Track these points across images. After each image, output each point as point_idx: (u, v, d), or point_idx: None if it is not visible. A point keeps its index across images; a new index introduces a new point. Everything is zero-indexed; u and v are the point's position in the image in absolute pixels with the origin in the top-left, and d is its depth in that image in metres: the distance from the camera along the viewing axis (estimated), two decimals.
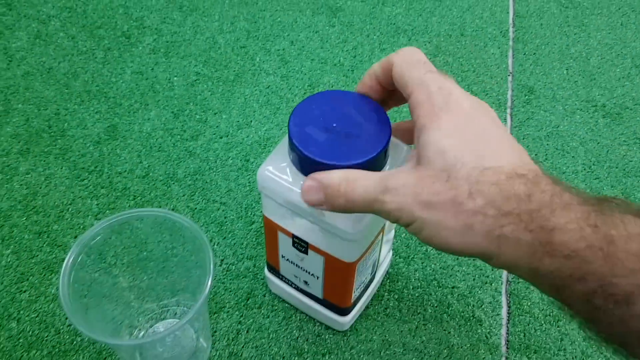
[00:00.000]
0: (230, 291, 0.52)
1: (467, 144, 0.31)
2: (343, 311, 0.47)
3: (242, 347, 0.49)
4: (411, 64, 0.34)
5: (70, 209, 0.56)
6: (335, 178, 0.34)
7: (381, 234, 0.45)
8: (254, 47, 0.71)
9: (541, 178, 0.30)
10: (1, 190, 0.57)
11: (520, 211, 0.29)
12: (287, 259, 0.46)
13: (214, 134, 0.63)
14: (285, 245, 0.45)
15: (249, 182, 0.59)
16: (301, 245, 0.43)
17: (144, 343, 0.49)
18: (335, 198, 0.34)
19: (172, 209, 0.57)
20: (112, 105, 0.65)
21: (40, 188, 0.58)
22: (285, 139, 0.42)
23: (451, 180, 0.30)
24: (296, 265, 0.46)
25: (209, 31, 0.73)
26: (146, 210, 0.44)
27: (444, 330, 0.51)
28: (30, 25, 0.72)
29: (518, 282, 0.54)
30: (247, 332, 0.50)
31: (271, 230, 0.44)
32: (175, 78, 0.68)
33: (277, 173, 0.40)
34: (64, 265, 0.41)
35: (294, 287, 0.49)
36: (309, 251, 0.43)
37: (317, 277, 0.45)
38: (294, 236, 0.43)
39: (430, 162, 0.31)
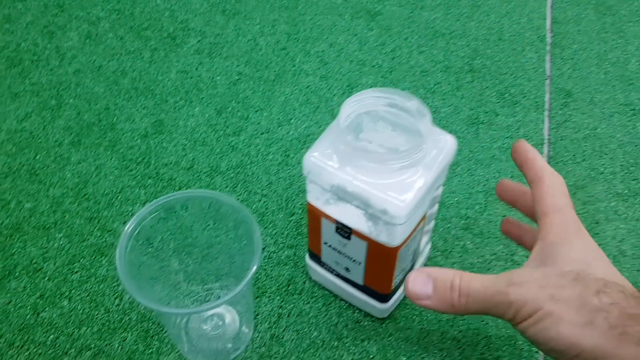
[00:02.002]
0: (271, 278, 0.54)
1: (595, 261, 0.34)
2: (383, 298, 0.48)
3: (283, 330, 0.50)
4: (557, 192, 0.38)
5: (119, 197, 0.59)
6: (449, 272, 0.37)
7: (423, 221, 0.46)
8: (294, 49, 0.74)
9: None
10: (54, 178, 0.60)
11: None
12: (330, 245, 0.47)
13: (256, 130, 0.65)
14: (328, 232, 0.46)
15: (288, 176, 0.61)
16: (344, 231, 0.44)
17: (194, 312, 0.51)
18: (447, 292, 0.37)
19: (217, 200, 0.59)
20: (159, 101, 0.68)
21: (91, 177, 0.60)
22: (331, 126, 0.44)
23: (579, 279, 0.33)
24: (338, 251, 0.47)
25: (250, 34, 0.76)
26: (200, 191, 0.46)
27: (482, 321, 0.51)
28: (80, 26, 0.76)
29: None
30: (288, 316, 0.51)
31: (315, 217, 0.46)
32: (218, 77, 0.70)
33: (323, 159, 0.41)
34: (123, 233, 0.42)
35: (335, 274, 0.50)
36: (352, 237, 0.44)
37: (359, 263, 0.46)
38: (337, 222, 0.44)
39: (559, 265, 0.34)
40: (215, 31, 0.76)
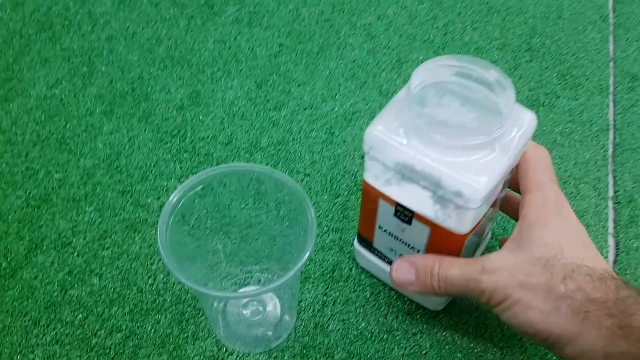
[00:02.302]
0: (315, 262, 0.50)
1: (569, 245, 0.35)
2: None
3: (328, 319, 0.47)
4: (539, 166, 0.38)
5: (153, 171, 0.55)
6: (429, 259, 0.39)
7: (493, 207, 0.42)
8: (339, 20, 0.69)
9: (630, 285, 0.33)
10: (85, 148, 0.57)
11: (607, 299, 0.32)
12: (385, 230, 0.43)
13: (298, 105, 0.61)
14: (385, 215, 0.42)
15: (333, 155, 0.57)
16: (405, 214, 0.40)
17: (243, 297, 0.47)
18: (427, 278, 0.39)
19: (255, 178, 0.55)
20: (195, 72, 0.64)
21: (124, 149, 0.57)
22: (396, 98, 0.40)
23: (548, 266, 0.34)
24: (395, 237, 0.43)
25: (292, 3, 0.71)
26: (251, 165, 0.42)
27: None
28: None
29: (627, 272, 0.50)
30: (333, 304, 0.47)
31: (371, 198, 0.42)
32: (258, 48, 0.66)
33: (389, 133, 0.37)
34: (165, 206, 0.39)
35: (388, 262, 0.46)
36: (413, 221, 0.40)
37: (417, 251, 0.42)
38: (397, 204, 0.40)
39: (531, 251, 0.35)
40: (255, 0, 0.72)
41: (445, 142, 0.35)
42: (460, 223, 0.37)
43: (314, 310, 0.47)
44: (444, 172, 0.35)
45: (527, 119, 0.38)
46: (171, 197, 0.39)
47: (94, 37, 0.67)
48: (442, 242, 0.40)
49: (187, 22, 0.69)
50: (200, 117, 0.59)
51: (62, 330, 0.46)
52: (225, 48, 0.66)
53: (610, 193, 0.55)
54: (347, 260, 0.50)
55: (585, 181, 0.55)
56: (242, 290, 0.48)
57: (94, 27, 0.68)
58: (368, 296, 0.48)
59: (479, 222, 0.39)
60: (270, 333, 0.46)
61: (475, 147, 0.35)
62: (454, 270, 0.38)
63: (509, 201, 0.44)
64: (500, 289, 0.35)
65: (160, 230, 0.38)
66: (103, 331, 0.46)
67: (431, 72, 0.38)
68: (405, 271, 0.40)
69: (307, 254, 0.36)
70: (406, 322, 0.47)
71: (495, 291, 0.35)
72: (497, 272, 0.35)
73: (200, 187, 0.41)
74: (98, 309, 0.47)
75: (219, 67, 0.64)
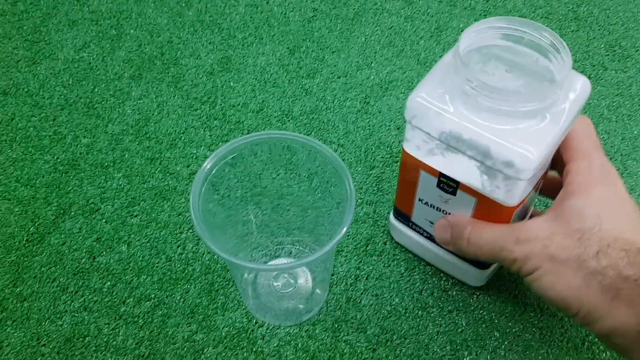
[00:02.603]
0: (348, 236, 0.48)
1: (610, 215, 0.33)
2: (484, 263, 0.42)
3: (361, 294, 0.45)
4: (584, 135, 0.36)
5: (182, 138, 0.54)
6: (463, 220, 0.38)
7: (542, 178, 0.39)
8: None
9: None
10: (113, 113, 0.55)
11: (638, 277, 0.31)
12: (426, 202, 0.41)
13: (332, 73, 0.59)
14: (426, 186, 0.40)
15: (368, 126, 0.55)
16: (449, 185, 0.38)
17: (273, 269, 0.46)
18: (459, 239, 0.38)
19: (287, 147, 0.53)
20: (226, 36, 0.62)
21: (153, 114, 0.55)
22: (440, 63, 0.37)
23: (583, 240, 0.33)
24: (436, 209, 0.41)
25: None
26: (287, 133, 0.40)
27: None
28: None
29: None
30: (366, 279, 0.46)
31: (411, 168, 0.40)
32: (290, 13, 0.64)
33: (433, 100, 0.35)
34: (198, 173, 0.37)
35: (426, 236, 0.44)
36: (458, 192, 0.38)
37: None
38: (441, 175, 0.38)
39: (569, 222, 0.34)
40: None
41: (496, 109, 0.33)
42: (509, 195, 0.35)
43: (346, 284, 0.46)
44: (494, 141, 0.33)
45: (580, 85, 0.35)
46: (205, 164, 0.38)
47: (122, 0, 0.65)
48: (488, 214, 0.37)
49: None
50: (231, 84, 0.58)
51: (90, 297, 0.45)
52: (257, 12, 0.64)
53: None
54: (381, 234, 0.48)
55: (634, 158, 0.53)
56: (273, 262, 0.47)
57: None
58: (402, 271, 0.46)
59: (527, 196, 0.37)
60: (301, 306, 0.45)
61: (525, 115, 0.33)
62: (487, 235, 0.37)
63: (549, 182, 0.42)
64: (531, 259, 0.34)
65: (192, 199, 0.36)
66: (131, 299, 0.45)
67: (480, 34, 0.36)
68: (442, 229, 0.40)
69: (345, 228, 0.35)
70: (442, 299, 0.45)
71: (526, 262, 0.34)
72: (531, 243, 0.34)
73: (234, 155, 0.39)
74: (126, 277, 0.46)
75: (250, 32, 0.62)
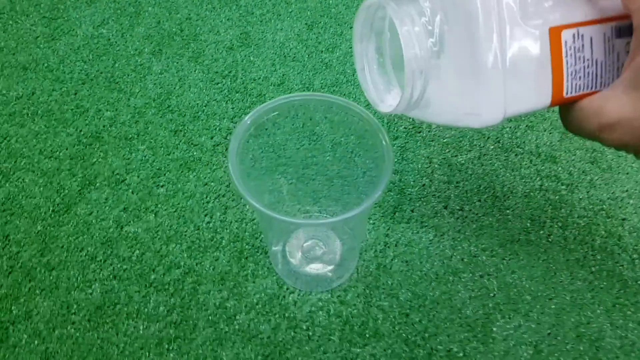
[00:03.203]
0: (375, 204, 0.48)
1: None
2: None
3: (391, 260, 0.45)
4: None
5: (205, 111, 0.54)
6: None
7: None
8: None
9: None
10: (135, 87, 0.55)
11: None
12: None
13: (351, 47, 0.59)
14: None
15: None
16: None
17: (313, 224, 0.45)
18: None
19: (310, 119, 0.53)
20: (244, 13, 0.62)
21: (174, 88, 0.55)
22: None
23: None
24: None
25: None
26: (326, 95, 0.40)
27: (616, 262, 0.45)
28: None
29: None
30: (396, 246, 0.46)
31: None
32: None
33: None
34: (238, 128, 0.37)
35: None
36: None
37: None
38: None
39: None
40: None
41: None
42: None
43: (375, 251, 0.46)
44: None
45: None
46: (246, 118, 0.38)
47: None
48: None
49: None
50: (251, 58, 0.58)
51: (119, 265, 0.45)
52: None
53: None
54: (407, 202, 0.48)
55: None
56: (299, 230, 0.47)
57: None
58: (431, 238, 0.46)
59: None
60: (330, 274, 0.45)
61: None
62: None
63: None
64: (622, 148, 0.29)
65: (231, 159, 0.36)
66: (161, 267, 0.45)
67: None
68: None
69: (386, 180, 0.35)
70: (472, 264, 0.45)
71: (627, 148, 0.29)
72: (617, 129, 0.28)
73: (276, 113, 0.39)
74: (155, 246, 0.46)
75: (268, 9, 0.62)
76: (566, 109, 0.31)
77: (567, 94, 0.30)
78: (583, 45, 0.29)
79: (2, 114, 0.53)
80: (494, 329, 0.42)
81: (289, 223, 0.40)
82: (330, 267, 0.45)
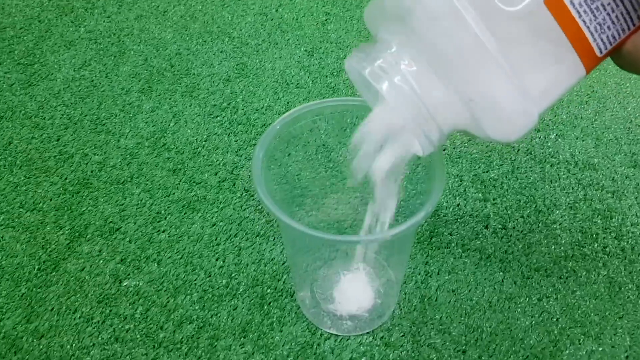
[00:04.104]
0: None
1: None
2: None
3: (436, 290, 0.39)
4: None
5: (206, 146, 0.48)
6: None
7: None
8: None
9: None
10: (125, 128, 0.50)
11: None
12: None
13: None
14: None
15: None
16: None
17: (351, 241, 0.38)
18: None
19: (323, 145, 0.49)
20: (238, 44, 0.58)
21: (169, 125, 0.50)
22: None
23: None
24: None
25: None
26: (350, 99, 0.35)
27: None
28: None
29: None
30: (438, 273, 0.40)
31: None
32: (302, 18, 0.60)
33: None
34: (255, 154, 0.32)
35: None
36: None
37: None
38: None
39: None
40: None
41: None
42: None
43: (416, 282, 0.40)
44: None
45: None
46: (275, 123, 0.33)
47: (122, 18, 0.60)
48: None
49: None
50: (251, 88, 0.53)
51: (120, 325, 0.38)
52: (267, 20, 0.60)
53: None
54: (443, 224, 0.43)
55: None
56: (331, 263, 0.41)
57: (120, 9, 0.62)
58: (477, 262, 0.41)
59: None
60: (367, 314, 0.39)
61: None
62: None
63: None
64: None
65: (255, 173, 0.31)
66: (170, 323, 0.38)
67: None
68: None
69: (438, 194, 0.30)
70: (527, 287, 0.39)
71: None
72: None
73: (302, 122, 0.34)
74: (161, 299, 0.39)
75: (263, 39, 0.58)
76: (614, 56, 0.26)
77: (601, 52, 0.25)
78: None
79: None
80: (564, 357, 0.36)
81: (329, 241, 0.34)
82: (369, 305, 0.39)
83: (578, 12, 0.24)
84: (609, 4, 0.24)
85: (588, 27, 0.24)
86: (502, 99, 0.24)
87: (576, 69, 0.25)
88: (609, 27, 0.24)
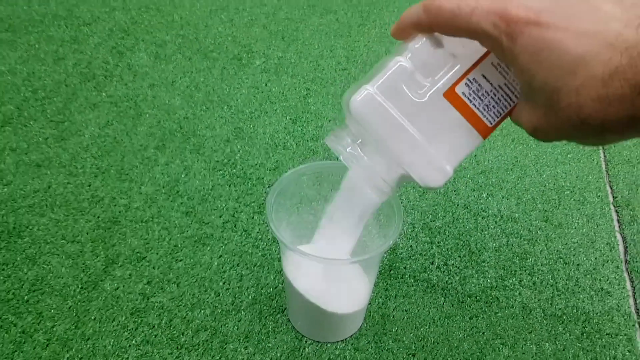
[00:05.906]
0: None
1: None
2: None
3: (393, 310, 0.52)
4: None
5: (212, 194, 0.60)
6: None
7: None
8: (354, 69, 0.79)
9: None
10: (144, 177, 0.61)
11: None
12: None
13: None
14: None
15: None
16: None
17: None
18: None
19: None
20: (235, 112, 0.70)
21: (181, 177, 0.62)
22: None
23: None
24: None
25: (311, 56, 0.80)
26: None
27: (578, 299, 0.54)
28: (148, 48, 0.79)
29: (637, 262, 0.58)
30: (395, 297, 0.53)
31: None
32: (287, 92, 0.74)
33: None
34: (268, 202, 0.44)
35: None
36: None
37: None
38: None
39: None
40: (278, 54, 0.80)
41: None
42: None
43: (378, 303, 0.52)
44: None
45: None
46: (286, 173, 0.45)
47: (137, 86, 0.73)
48: None
49: (221, 72, 0.76)
50: (247, 149, 0.66)
51: (150, 332, 0.48)
52: (259, 92, 0.74)
53: (610, 199, 0.64)
54: (399, 261, 0.56)
55: (588, 190, 0.64)
56: None
57: (134, 77, 0.74)
58: (424, 289, 0.54)
59: None
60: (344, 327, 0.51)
61: None
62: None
63: None
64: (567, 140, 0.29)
65: (268, 213, 0.43)
66: (190, 331, 0.49)
67: None
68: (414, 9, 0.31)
69: (398, 229, 0.42)
70: (461, 309, 0.52)
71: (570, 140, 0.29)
72: (540, 132, 0.29)
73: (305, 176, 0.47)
74: (181, 313, 0.50)
75: (255, 108, 0.71)
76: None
77: (491, 124, 0.33)
78: (480, 85, 0.33)
79: (22, 206, 0.57)
80: None
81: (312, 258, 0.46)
82: (344, 319, 0.51)
83: (469, 99, 0.33)
84: (491, 90, 0.33)
85: (478, 108, 0.33)
86: (420, 163, 0.35)
87: (474, 136, 0.35)
88: (494, 107, 0.33)
